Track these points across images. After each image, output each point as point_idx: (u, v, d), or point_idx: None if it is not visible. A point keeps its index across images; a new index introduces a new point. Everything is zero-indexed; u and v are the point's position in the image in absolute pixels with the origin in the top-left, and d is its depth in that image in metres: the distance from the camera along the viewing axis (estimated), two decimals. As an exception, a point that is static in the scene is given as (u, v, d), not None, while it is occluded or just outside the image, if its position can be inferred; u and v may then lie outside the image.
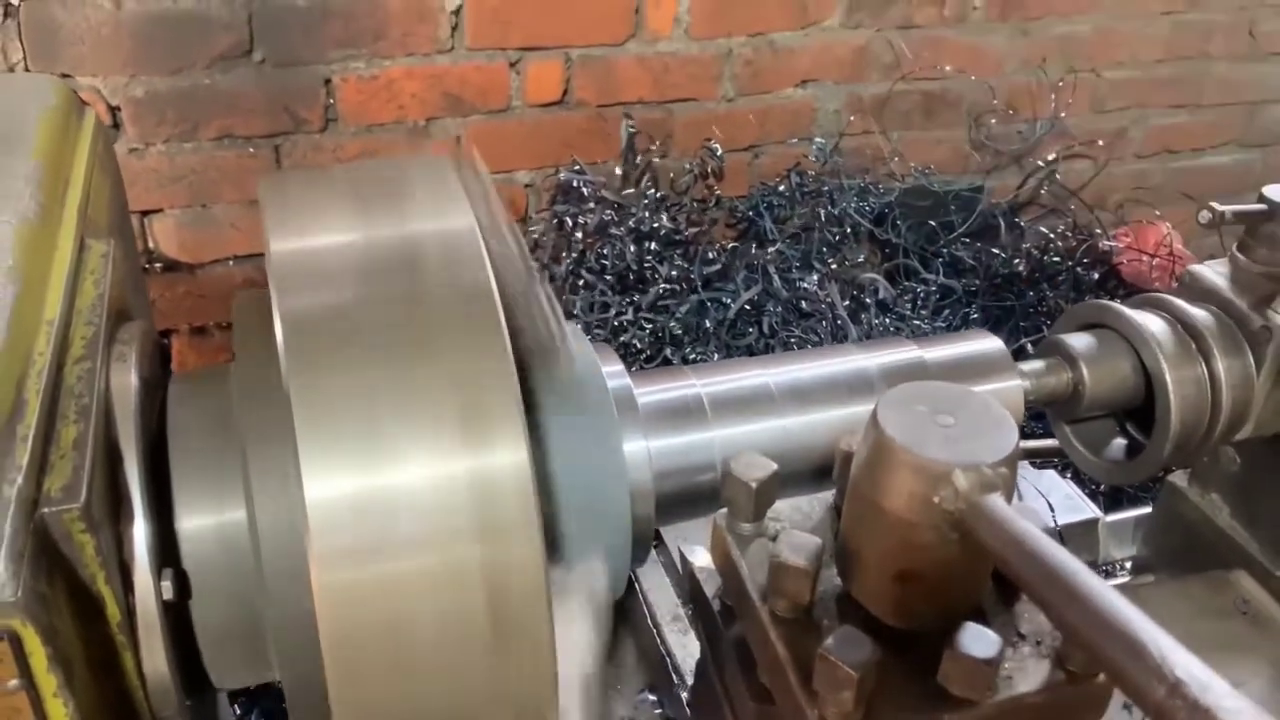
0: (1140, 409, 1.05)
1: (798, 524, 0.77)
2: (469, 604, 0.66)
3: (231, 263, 2.07)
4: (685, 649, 1.15)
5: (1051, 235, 2.19)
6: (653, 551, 1.25)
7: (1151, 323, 1.04)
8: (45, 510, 0.59)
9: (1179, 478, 1.36)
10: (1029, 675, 0.66)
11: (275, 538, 0.70)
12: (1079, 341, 1.02)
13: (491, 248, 0.72)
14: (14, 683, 0.56)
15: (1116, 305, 1.06)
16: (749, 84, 2.27)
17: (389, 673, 0.67)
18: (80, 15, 1.76)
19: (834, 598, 0.70)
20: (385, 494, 0.65)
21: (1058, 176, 2.42)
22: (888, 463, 0.64)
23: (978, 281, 2.12)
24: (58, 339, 0.70)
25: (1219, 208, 1.03)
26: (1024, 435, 1.52)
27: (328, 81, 1.98)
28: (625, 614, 1.20)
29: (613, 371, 0.86)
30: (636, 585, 1.20)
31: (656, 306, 1.92)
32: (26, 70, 1.77)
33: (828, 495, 0.79)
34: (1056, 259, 2.23)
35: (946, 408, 0.65)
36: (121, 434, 0.70)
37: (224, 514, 0.73)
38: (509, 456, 0.67)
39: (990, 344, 0.97)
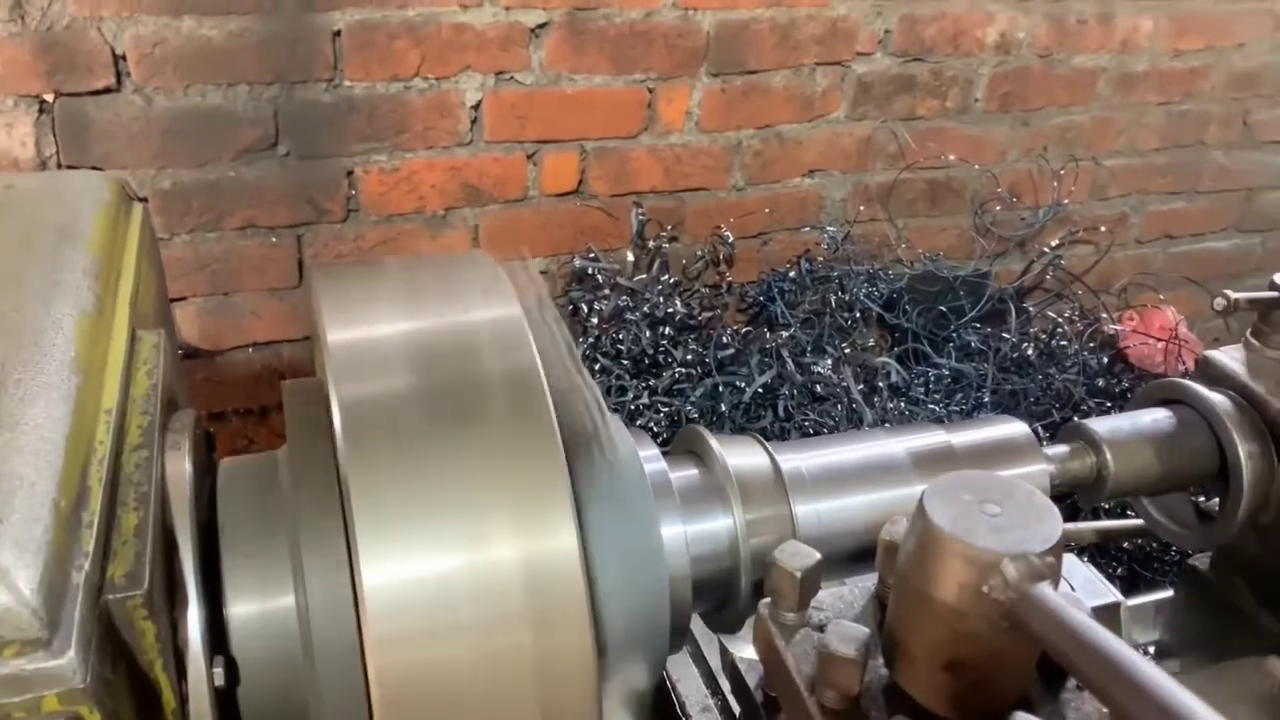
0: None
1: (841, 613, 0.77)
2: (520, 689, 0.66)
3: (251, 350, 2.09)
4: (714, 738, 1.14)
5: (1058, 320, 2.22)
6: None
7: (1219, 402, 1.06)
8: (110, 597, 0.60)
9: (1200, 560, 1.36)
10: (1078, 764, 0.66)
11: (326, 623, 0.70)
12: (1102, 426, 1.04)
13: (538, 338, 0.75)
14: (76, 772, 0.56)
15: (1192, 384, 1.08)
16: (758, 174, 2.32)
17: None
18: (112, 112, 1.82)
19: (881, 689, 0.71)
20: (439, 580, 0.66)
21: (1062, 261, 2.46)
22: (937, 553, 0.65)
23: (987, 366, 2.14)
24: (116, 427, 0.71)
25: (1233, 295, 1.06)
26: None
27: (350, 173, 2.03)
28: (654, 706, 1.19)
29: (649, 456, 0.88)
30: (665, 676, 1.19)
31: (672, 390, 1.94)
32: (59, 163, 1.82)
33: (868, 584, 0.80)
34: (1064, 343, 2.26)
35: (992, 497, 0.66)
36: (177, 521, 0.71)
37: (273, 600, 0.74)
38: (560, 545, 0.69)
39: (1016, 429, 0.99)
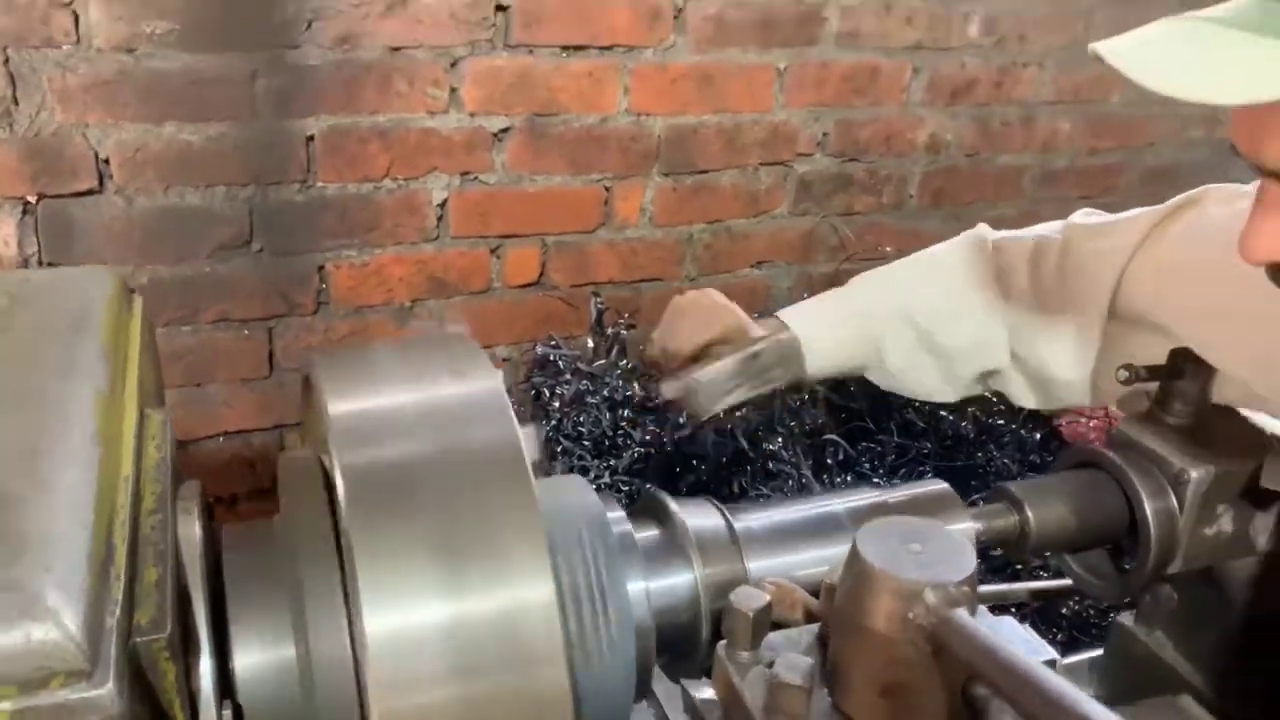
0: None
1: (790, 650, 0.86)
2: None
3: (221, 439, 2.15)
4: (676, 793, 1.20)
5: (994, 399, 2.35)
6: (644, 703, 1.32)
7: (1127, 464, 1.18)
8: (137, 640, 0.67)
9: (1126, 618, 1.46)
10: (1004, 778, 0.74)
11: (328, 671, 0.78)
12: (1023, 487, 1.14)
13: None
14: (110, 795, 0.62)
15: (1104, 450, 1.22)
16: (709, 265, 2.46)
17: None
18: (94, 212, 1.91)
19: (826, 715, 0.79)
20: (436, 631, 0.74)
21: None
22: (868, 586, 0.74)
23: (929, 444, 2.25)
24: (133, 494, 0.79)
25: (1134, 366, 1.18)
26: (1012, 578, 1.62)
27: (321, 268, 2.13)
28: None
29: (615, 517, 0.97)
30: (629, 730, 1.26)
31: (632, 470, 2.03)
32: (40, 261, 1.89)
33: (814, 626, 0.89)
34: (1000, 421, 2.38)
35: (916, 538, 0.76)
36: (190, 578, 0.78)
37: (276, 650, 0.81)
38: (540, 595, 0.77)
39: (942, 489, 1.09)
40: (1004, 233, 1.41)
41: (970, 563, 0.73)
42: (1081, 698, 0.62)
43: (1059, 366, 1.30)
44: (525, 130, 2.18)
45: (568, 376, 2.20)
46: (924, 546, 0.75)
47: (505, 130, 2.17)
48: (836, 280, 2.59)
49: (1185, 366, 1.21)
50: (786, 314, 1.34)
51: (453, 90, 2.10)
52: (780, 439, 2.06)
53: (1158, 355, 1.22)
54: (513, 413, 0.85)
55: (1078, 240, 1.29)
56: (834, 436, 2.08)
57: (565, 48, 2.16)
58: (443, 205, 2.17)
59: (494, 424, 0.84)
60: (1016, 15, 2.57)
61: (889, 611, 0.72)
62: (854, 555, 0.75)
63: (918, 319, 1.34)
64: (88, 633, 0.62)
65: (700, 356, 1.28)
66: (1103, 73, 0.78)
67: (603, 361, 2.28)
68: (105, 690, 0.62)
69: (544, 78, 2.16)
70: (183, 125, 1.92)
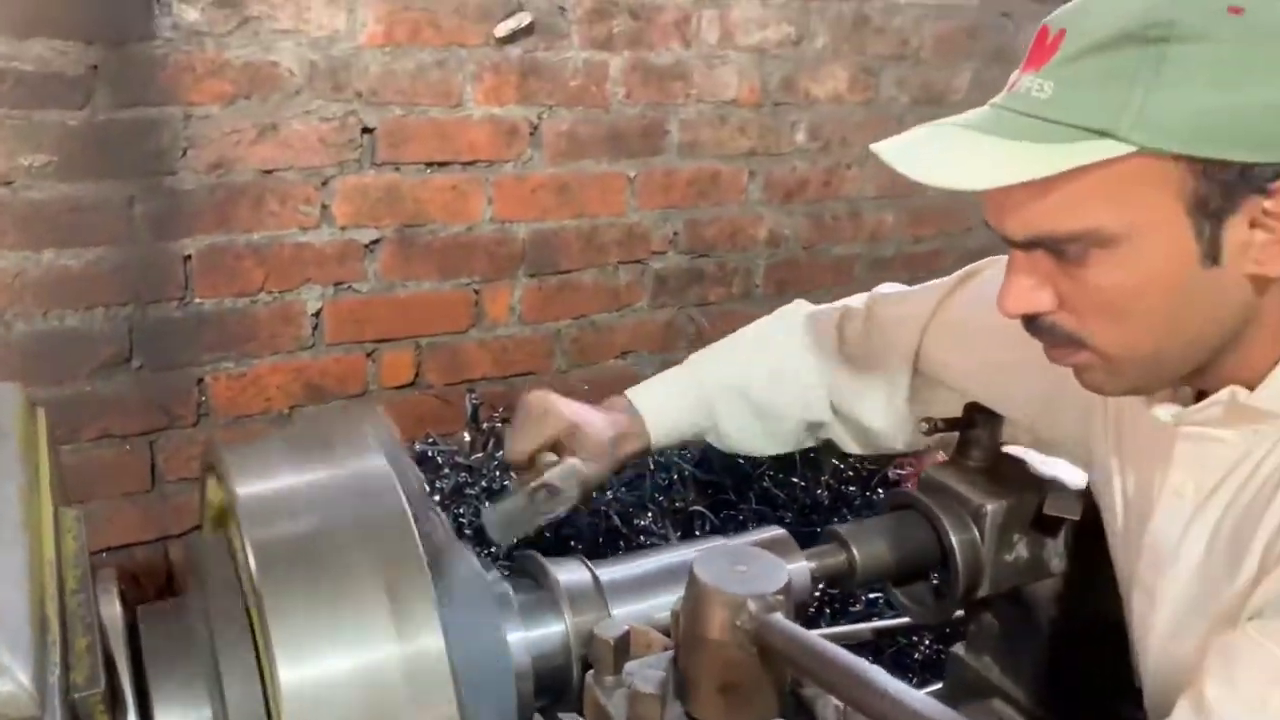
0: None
1: (649, 668, 1.00)
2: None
3: (104, 555, 2.18)
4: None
5: (842, 467, 2.57)
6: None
7: (935, 503, 1.38)
8: (75, 696, 0.77)
9: (959, 648, 1.65)
10: (823, 753, 0.90)
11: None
12: (848, 529, 1.32)
13: (400, 478, 0.98)
14: (58, 833, 0.72)
15: (916, 493, 1.42)
16: (577, 356, 2.63)
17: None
18: (-27, 336, 1.96)
19: (678, 717, 0.94)
20: (342, 678, 0.86)
21: (844, 418, 2.83)
22: (704, 602, 0.90)
23: (789, 513, 2.44)
24: (58, 576, 0.89)
25: (933, 419, 1.39)
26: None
27: (200, 380, 2.21)
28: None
29: (493, 578, 1.10)
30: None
31: (512, 555, 2.14)
32: (-84, 388, 1.92)
33: (669, 652, 1.04)
34: (853, 489, 2.60)
35: (741, 561, 0.92)
36: (114, 647, 0.88)
37: (194, 712, 0.91)
38: (430, 645, 0.90)
39: (778, 532, 1.26)
40: (817, 307, 1.60)
41: (783, 577, 0.90)
42: (883, 675, 0.78)
43: (872, 418, 1.48)
44: (395, 241, 2.33)
45: (446, 470, 2.31)
46: (748, 567, 0.91)
47: (376, 241, 2.31)
48: (695, 366, 2.80)
49: (977, 417, 1.42)
50: (632, 392, 1.47)
51: (324, 206, 2.24)
52: (650, 514, 2.22)
53: (957, 407, 1.42)
54: (399, 486, 0.99)
55: (879, 308, 1.50)
56: (700, 509, 2.24)
57: (429, 164, 2.33)
58: (318, 314, 2.29)
59: (382, 497, 0.97)
60: (838, 121, 2.87)
61: (720, 621, 0.88)
62: (691, 578, 0.91)
63: (745, 385, 1.50)
64: (37, 685, 0.72)
65: (532, 463, 1.35)
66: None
67: (480, 455, 2.40)
68: (54, 734, 0.72)
69: (411, 191, 2.32)
70: (61, 251, 2.00)
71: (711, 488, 2.43)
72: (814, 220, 2.90)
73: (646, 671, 0.92)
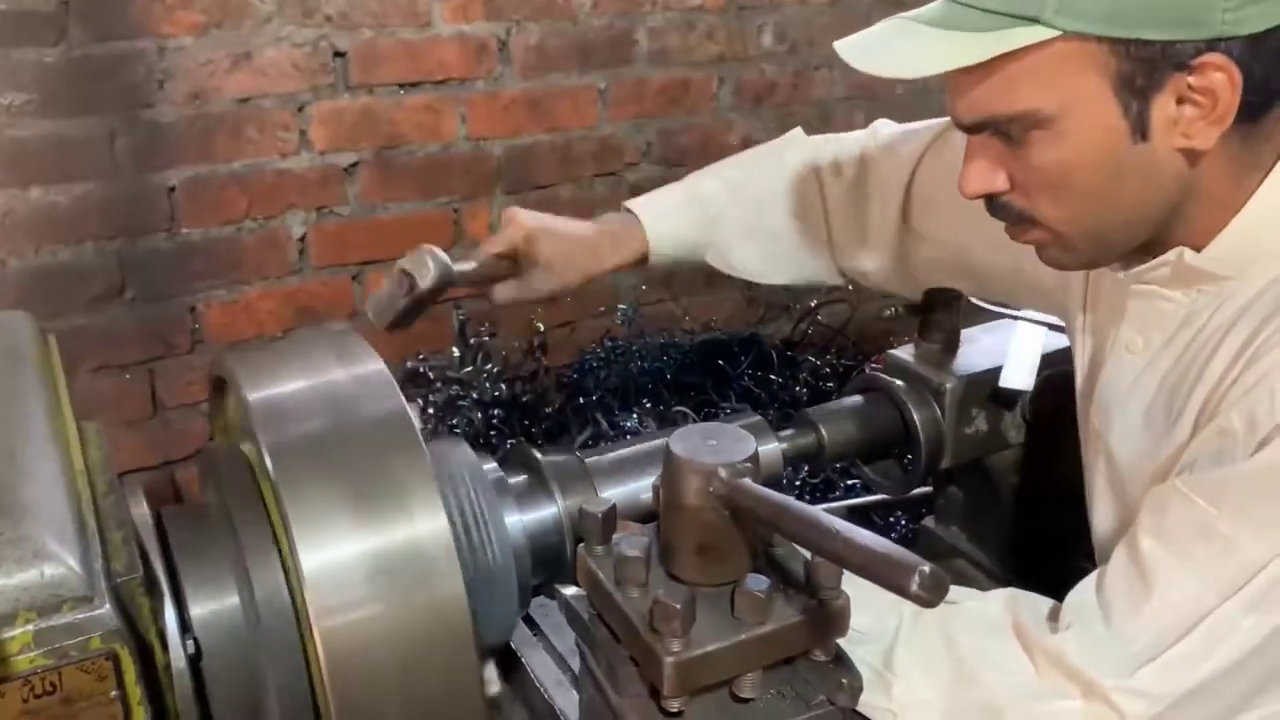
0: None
1: (634, 535, 1.09)
2: (417, 627, 0.95)
3: (113, 479, 2.26)
4: (571, 703, 1.42)
5: (819, 364, 2.66)
6: (533, 637, 1.55)
7: (898, 384, 1.46)
8: (118, 580, 0.86)
9: (929, 521, 1.76)
10: (793, 603, 0.99)
11: (271, 608, 0.97)
12: (817, 411, 1.42)
13: None
14: (114, 693, 0.82)
15: (880, 374, 1.49)
16: (558, 272, 2.69)
17: (370, 687, 0.95)
18: (-32, 275, 2.02)
19: (661, 578, 1.03)
20: (358, 560, 0.95)
21: (820, 318, 2.92)
22: (680, 473, 0.98)
23: (770, 411, 2.54)
24: (89, 482, 0.97)
25: (896, 304, 1.47)
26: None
27: (193, 309, 2.27)
28: (516, 685, 1.47)
29: (489, 467, 1.19)
30: (524, 661, 1.48)
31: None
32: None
33: (654, 524, 1.13)
34: (830, 384, 2.69)
35: (712, 436, 1.01)
36: (146, 543, 0.97)
37: (222, 600, 1.00)
38: (436, 526, 0.99)
39: (756, 419, 1.35)
40: (817, 136, 1.56)
41: (750, 447, 0.98)
42: (837, 521, 0.87)
43: (862, 259, 1.49)
44: (373, 163, 2.38)
45: (438, 385, 2.40)
46: (718, 441, 1.00)
47: (354, 165, 2.36)
48: (674, 274, 2.87)
49: (936, 301, 1.51)
50: (630, 202, 1.46)
51: (302, 132, 2.28)
52: (636, 415, 2.32)
53: (937, 271, 1.42)
54: (399, 388, 1.07)
55: (875, 142, 1.48)
56: (683, 409, 2.34)
57: (402, 85, 2.36)
58: (303, 239, 2.35)
59: (384, 397, 1.05)
60: (804, 22, 2.90)
61: (695, 489, 0.97)
62: (667, 452, 1.00)
63: (746, 201, 1.48)
64: (86, 569, 0.81)
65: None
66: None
67: (470, 369, 2.49)
68: (104, 611, 0.81)
69: (385, 113, 2.36)
70: (48, 187, 2.04)
71: (694, 389, 2.53)
72: (784, 124, 2.89)
73: (631, 539, 1.01)
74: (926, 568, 0.73)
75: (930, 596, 0.72)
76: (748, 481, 0.96)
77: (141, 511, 1.01)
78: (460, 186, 2.50)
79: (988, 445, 1.49)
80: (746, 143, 2.88)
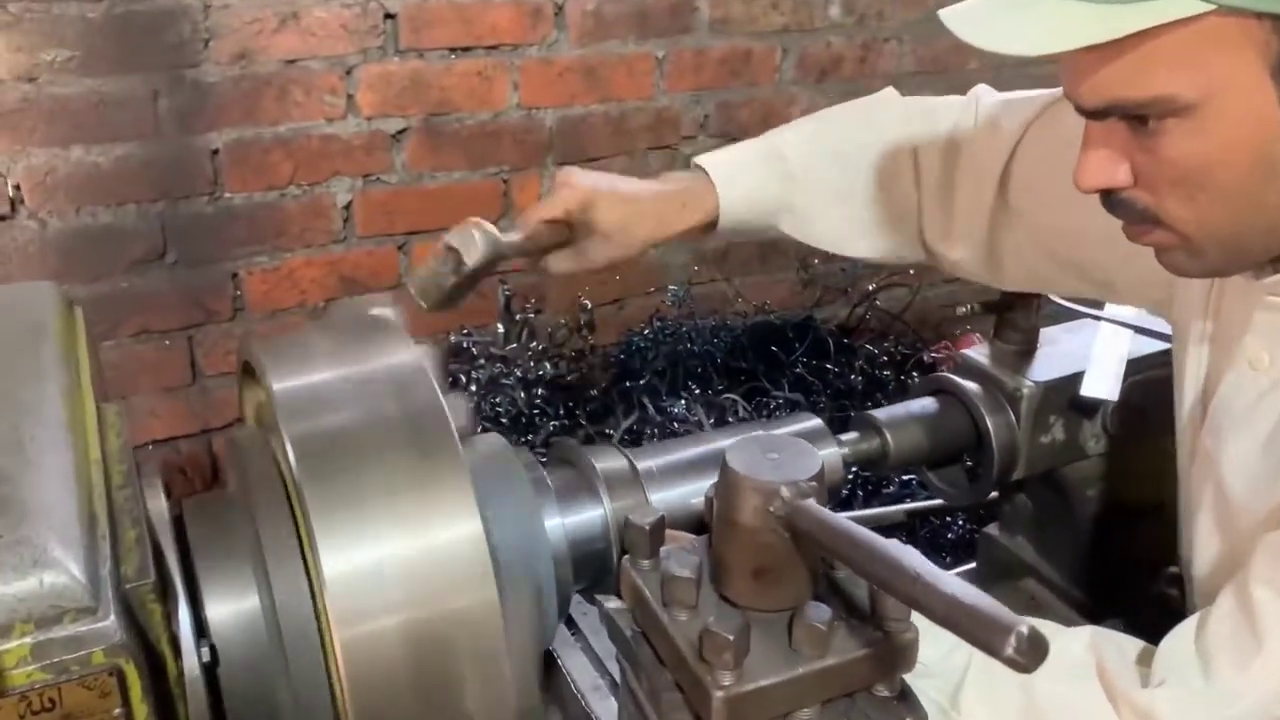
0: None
1: (684, 552, 1.01)
2: (447, 641, 0.88)
3: (150, 447, 2.23)
4: (608, 711, 1.36)
5: (876, 352, 2.56)
6: (571, 637, 1.48)
7: (971, 387, 1.35)
8: (127, 586, 0.80)
9: (992, 529, 1.66)
10: (856, 635, 0.91)
11: (292, 613, 0.91)
12: (883, 414, 1.32)
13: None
14: (118, 710, 0.75)
15: (951, 376, 1.38)
16: (608, 247, 2.61)
17: (393, 701, 0.88)
18: (8, 237, 1.97)
19: (712, 600, 0.95)
20: (381, 564, 0.88)
21: (878, 303, 2.81)
22: (737, 489, 0.90)
23: (822, 399, 2.44)
24: (104, 473, 0.91)
25: (971, 303, 1.37)
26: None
27: (234, 275, 2.22)
28: (552, 689, 1.40)
29: (529, 464, 1.11)
30: (560, 664, 1.41)
31: (549, 444, 2.17)
32: (-43, 287, 1.95)
33: (704, 537, 1.05)
34: (886, 373, 2.59)
35: (773, 449, 0.92)
36: (162, 539, 0.90)
37: (242, 601, 0.94)
38: (469, 531, 0.91)
39: (813, 421, 1.26)
40: (913, 97, 1.43)
41: (816, 464, 0.89)
42: (915, 557, 0.78)
43: (950, 239, 1.32)
44: (421, 130, 2.30)
45: (482, 361, 2.33)
46: (780, 455, 0.91)
47: (402, 131, 2.28)
48: (728, 252, 2.77)
49: (1015, 300, 1.40)
50: (700, 158, 1.30)
51: (349, 97, 2.20)
52: (684, 402, 2.23)
53: (1027, 261, 1.26)
54: (435, 381, 0.99)
55: (973, 119, 1.32)
56: (733, 396, 2.25)
57: (453, 49, 2.28)
58: (348, 207, 2.28)
59: (419, 391, 0.97)
60: (874, -6, 2.77)
61: (753, 507, 0.88)
62: (724, 466, 0.91)
63: (830, 160, 1.32)
64: (90, 577, 0.75)
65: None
66: (957, 41, 0.89)
67: (514, 345, 2.41)
68: (109, 623, 0.74)
69: (435, 79, 2.28)
70: (90, 147, 1.99)
71: (745, 375, 2.44)
72: (849, 99, 2.81)
73: (681, 555, 0.93)
74: (1025, 628, 0.64)
75: (1027, 662, 0.63)
76: (812, 504, 0.87)
77: (159, 505, 0.95)
78: (510, 156, 2.42)
79: (1064, 456, 1.39)
80: (809, 118, 2.77)
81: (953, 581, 0.72)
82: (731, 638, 0.84)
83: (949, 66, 2.94)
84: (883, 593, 0.88)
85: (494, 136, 2.38)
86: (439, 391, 0.98)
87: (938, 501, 1.65)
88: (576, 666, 1.43)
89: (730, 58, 2.62)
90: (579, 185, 1.22)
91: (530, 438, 2.20)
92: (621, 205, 1.23)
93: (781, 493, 0.87)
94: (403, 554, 0.89)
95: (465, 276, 1.23)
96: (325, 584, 0.87)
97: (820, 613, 0.87)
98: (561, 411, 2.24)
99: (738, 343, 2.48)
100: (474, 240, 1.22)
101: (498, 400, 2.25)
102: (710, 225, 1.28)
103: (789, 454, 0.92)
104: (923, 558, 0.76)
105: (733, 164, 1.29)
